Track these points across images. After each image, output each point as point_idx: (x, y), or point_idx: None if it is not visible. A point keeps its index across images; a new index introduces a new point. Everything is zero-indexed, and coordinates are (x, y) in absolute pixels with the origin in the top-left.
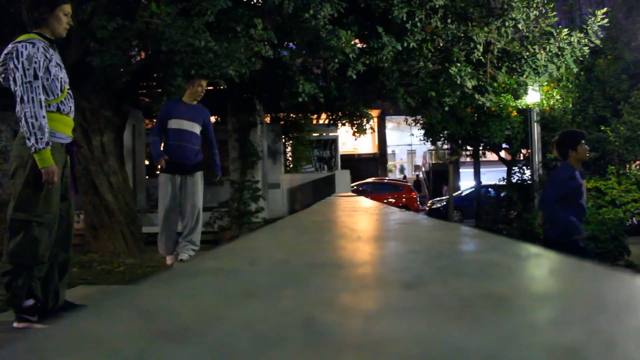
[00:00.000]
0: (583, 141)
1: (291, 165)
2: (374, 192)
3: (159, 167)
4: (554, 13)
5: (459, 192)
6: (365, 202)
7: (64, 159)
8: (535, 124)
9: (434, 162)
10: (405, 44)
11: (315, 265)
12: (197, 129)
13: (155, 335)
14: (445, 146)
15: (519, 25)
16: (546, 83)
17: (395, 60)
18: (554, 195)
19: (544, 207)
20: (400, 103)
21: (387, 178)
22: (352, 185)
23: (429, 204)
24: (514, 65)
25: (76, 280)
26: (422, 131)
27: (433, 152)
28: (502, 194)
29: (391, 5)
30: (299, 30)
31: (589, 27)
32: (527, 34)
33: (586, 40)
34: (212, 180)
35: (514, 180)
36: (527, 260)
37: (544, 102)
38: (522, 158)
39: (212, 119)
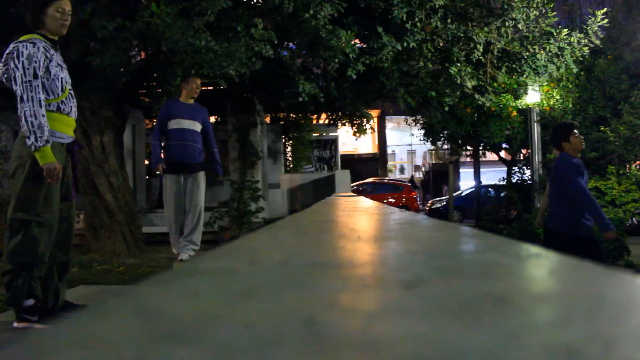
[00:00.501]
0: (575, 131)
1: (291, 165)
2: (374, 192)
3: (157, 172)
4: (554, 13)
5: (459, 192)
6: (365, 202)
7: (65, 158)
8: (535, 124)
9: (434, 162)
10: (405, 44)
11: (315, 265)
12: (197, 127)
13: (155, 335)
14: (445, 146)
15: (519, 25)
16: (546, 83)
17: (395, 60)
18: (583, 183)
19: (578, 196)
20: (400, 103)
21: (387, 178)
22: (352, 185)
23: (429, 204)
24: (514, 65)
25: (76, 280)
26: (422, 131)
27: (433, 152)
28: (502, 194)
29: (391, 5)
30: (299, 30)
31: (589, 27)
32: (527, 34)
33: (586, 40)
34: (214, 179)
35: (514, 180)
36: (527, 260)
37: (544, 102)
38: (522, 158)
39: (212, 119)
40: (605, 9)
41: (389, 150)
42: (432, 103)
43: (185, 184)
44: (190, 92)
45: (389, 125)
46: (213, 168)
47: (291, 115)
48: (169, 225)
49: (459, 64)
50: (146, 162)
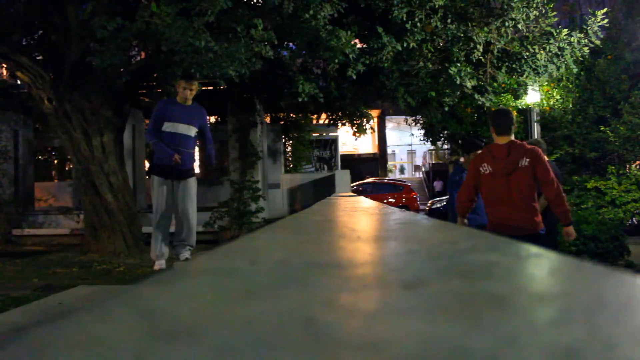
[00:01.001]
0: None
1: (291, 165)
2: (374, 192)
3: (173, 164)
4: (554, 13)
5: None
6: (365, 202)
7: None
8: (535, 124)
9: (434, 162)
10: (405, 44)
11: (315, 265)
12: (193, 131)
13: (155, 335)
14: (445, 146)
15: (519, 25)
16: (546, 83)
17: (395, 60)
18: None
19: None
20: (400, 103)
21: (387, 178)
22: (352, 185)
23: (429, 204)
24: (514, 65)
25: (76, 280)
26: (422, 131)
27: (433, 152)
28: None
29: (391, 6)
30: (299, 31)
31: (589, 28)
32: (527, 34)
33: (586, 40)
34: (213, 179)
35: None
36: (527, 260)
37: (544, 102)
38: None
39: (212, 119)
40: (605, 9)
41: (389, 150)
42: (432, 103)
43: (174, 189)
44: (182, 99)
45: (389, 125)
46: (206, 160)
47: (291, 115)
48: (153, 228)
49: (458, 64)
50: (146, 162)
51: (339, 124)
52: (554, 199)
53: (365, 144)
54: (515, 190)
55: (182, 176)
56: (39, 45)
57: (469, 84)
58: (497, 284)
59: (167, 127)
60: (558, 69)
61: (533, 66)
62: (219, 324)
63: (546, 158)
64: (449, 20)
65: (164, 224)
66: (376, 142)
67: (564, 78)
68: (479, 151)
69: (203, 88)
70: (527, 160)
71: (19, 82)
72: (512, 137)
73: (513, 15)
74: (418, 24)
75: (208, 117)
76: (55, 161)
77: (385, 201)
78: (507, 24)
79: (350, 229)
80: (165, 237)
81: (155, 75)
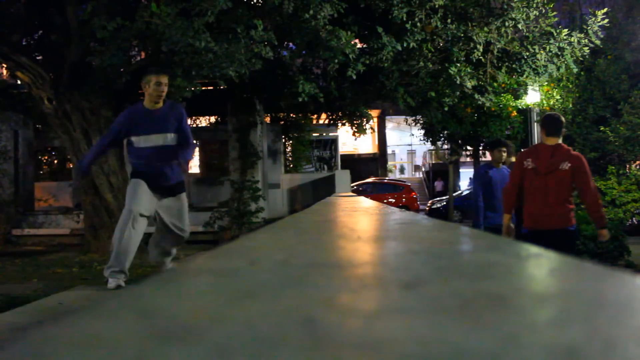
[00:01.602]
0: (502, 148)
1: (291, 165)
2: (374, 192)
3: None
4: (554, 13)
5: (459, 192)
6: (365, 202)
7: None
8: (535, 124)
9: (434, 162)
10: (405, 44)
11: (315, 265)
12: (169, 138)
13: (155, 335)
14: (445, 146)
15: (519, 25)
16: (546, 83)
17: (395, 60)
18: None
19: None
20: (400, 103)
21: (387, 178)
22: (352, 185)
23: (428, 204)
24: (514, 65)
25: (76, 281)
26: (422, 131)
27: (433, 152)
28: None
29: (391, 6)
30: (299, 31)
31: (589, 27)
32: (527, 34)
33: (586, 40)
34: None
35: None
36: (527, 260)
37: (544, 102)
38: None
39: (212, 119)
40: (605, 9)
41: (389, 150)
42: (432, 103)
43: (161, 206)
44: (153, 97)
45: (389, 125)
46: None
47: (291, 115)
48: (118, 239)
49: (458, 64)
50: None
51: (339, 124)
52: (592, 205)
53: (365, 144)
54: (552, 189)
55: (173, 192)
56: (39, 45)
57: (469, 84)
58: (497, 284)
59: (138, 141)
60: (558, 69)
61: (533, 66)
62: (219, 324)
63: (513, 159)
64: (449, 20)
65: (127, 235)
66: (376, 142)
67: (564, 78)
68: (502, 147)
69: (203, 88)
70: (568, 164)
71: (19, 82)
72: (560, 141)
73: (513, 15)
74: (418, 24)
75: (207, 118)
76: (55, 161)
77: (385, 201)
78: (507, 24)
79: (350, 229)
80: (126, 252)
81: None
